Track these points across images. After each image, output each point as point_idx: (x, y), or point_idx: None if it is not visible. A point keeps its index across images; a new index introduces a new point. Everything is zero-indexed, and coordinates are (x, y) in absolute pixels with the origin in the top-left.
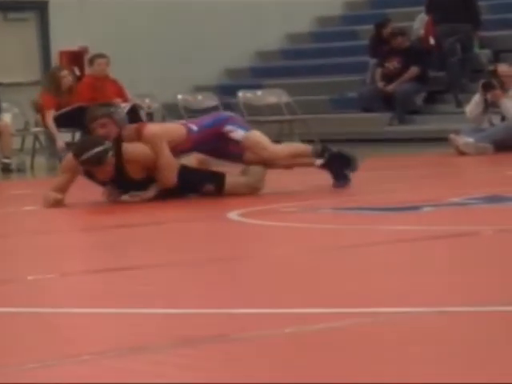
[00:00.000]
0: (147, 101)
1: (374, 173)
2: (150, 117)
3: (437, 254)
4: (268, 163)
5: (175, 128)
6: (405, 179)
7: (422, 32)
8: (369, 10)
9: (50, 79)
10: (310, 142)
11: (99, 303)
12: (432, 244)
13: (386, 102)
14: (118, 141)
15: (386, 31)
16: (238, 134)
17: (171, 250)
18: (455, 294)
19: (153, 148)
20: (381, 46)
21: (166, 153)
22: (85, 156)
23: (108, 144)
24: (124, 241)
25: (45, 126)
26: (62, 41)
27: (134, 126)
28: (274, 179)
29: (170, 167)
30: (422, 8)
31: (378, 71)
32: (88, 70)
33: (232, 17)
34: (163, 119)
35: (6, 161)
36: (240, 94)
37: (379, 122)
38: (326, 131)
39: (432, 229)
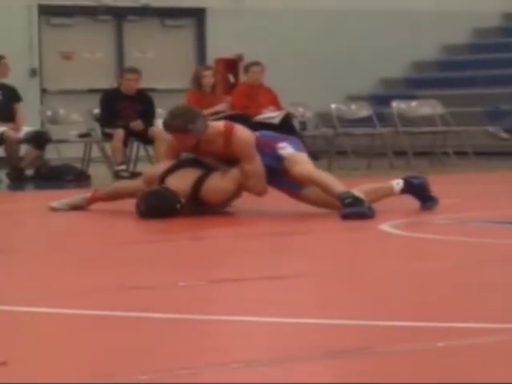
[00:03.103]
0: (300, 109)
1: None
2: (303, 125)
3: None
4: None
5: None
6: None
7: None
8: None
9: (193, 76)
10: (463, 154)
11: (248, 311)
12: None
13: None
14: (198, 181)
15: None
16: (286, 151)
17: (322, 259)
18: None
19: (244, 154)
20: None
21: (258, 159)
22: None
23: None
24: (272, 249)
25: None
26: (218, 48)
27: (220, 125)
28: None
29: (263, 175)
30: None
31: None
32: (243, 78)
33: (388, 27)
34: (316, 128)
35: None
36: (394, 104)
37: None
38: (480, 143)
39: None
